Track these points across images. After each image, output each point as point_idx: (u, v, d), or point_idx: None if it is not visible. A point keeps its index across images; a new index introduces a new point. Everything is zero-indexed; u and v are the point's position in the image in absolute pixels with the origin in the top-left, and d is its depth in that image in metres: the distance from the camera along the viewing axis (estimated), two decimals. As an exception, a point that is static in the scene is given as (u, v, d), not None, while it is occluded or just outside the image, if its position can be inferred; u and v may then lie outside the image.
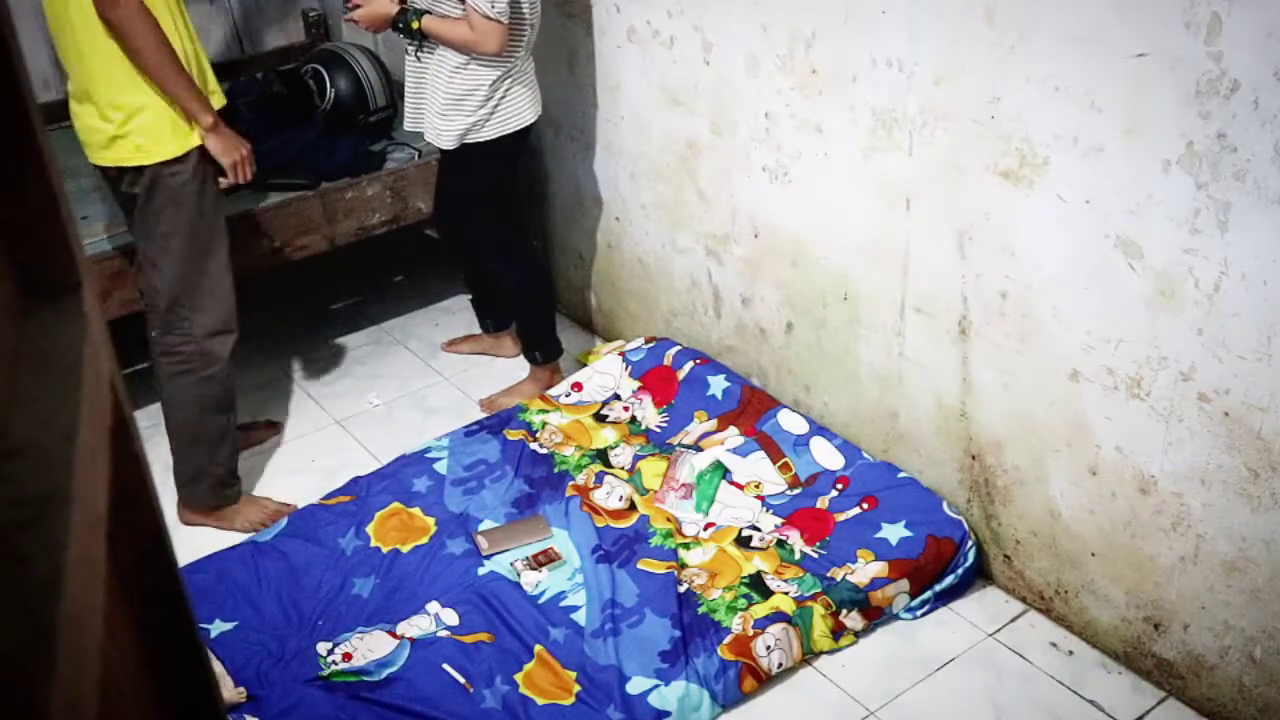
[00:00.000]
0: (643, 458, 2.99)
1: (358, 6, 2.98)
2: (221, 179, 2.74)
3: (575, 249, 3.72)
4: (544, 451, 3.06)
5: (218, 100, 2.70)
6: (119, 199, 2.79)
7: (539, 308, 3.39)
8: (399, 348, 3.75)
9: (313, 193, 3.34)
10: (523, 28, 2.90)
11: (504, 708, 2.33)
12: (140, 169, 2.60)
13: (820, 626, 2.48)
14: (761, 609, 2.49)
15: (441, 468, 3.02)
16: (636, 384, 3.24)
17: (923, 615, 2.59)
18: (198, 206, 2.68)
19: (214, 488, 2.96)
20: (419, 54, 3.01)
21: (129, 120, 2.55)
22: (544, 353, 3.40)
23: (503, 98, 2.96)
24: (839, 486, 2.79)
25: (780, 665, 2.43)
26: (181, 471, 2.94)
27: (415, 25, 2.90)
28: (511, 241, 3.28)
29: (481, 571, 2.67)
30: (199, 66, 2.64)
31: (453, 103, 2.95)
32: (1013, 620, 2.58)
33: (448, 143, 3.01)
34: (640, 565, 2.65)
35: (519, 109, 3.00)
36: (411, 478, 2.98)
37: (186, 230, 2.68)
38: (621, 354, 3.35)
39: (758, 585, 2.57)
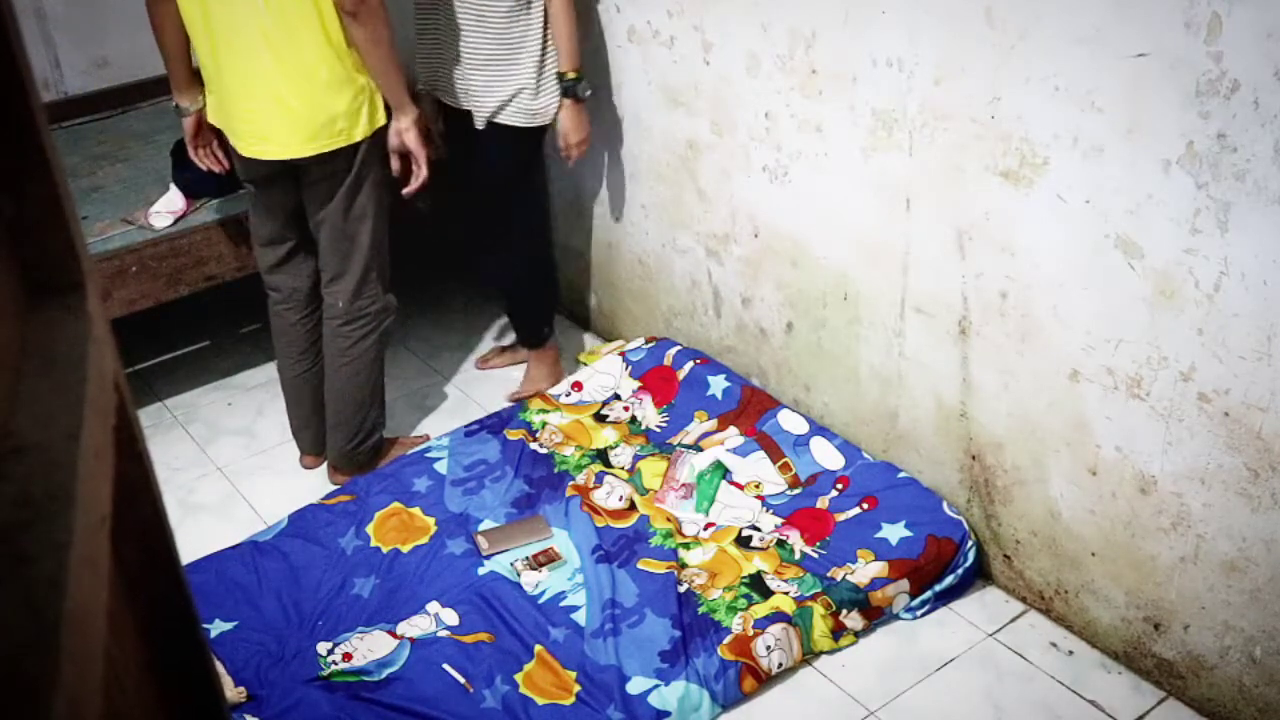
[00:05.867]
0: (643, 457, 2.99)
1: None
2: (405, 189, 2.85)
3: (575, 249, 3.71)
4: (544, 451, 3.06)
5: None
6: (286, 188, 2.84)
7: (547, 284, 3.43)
8: (399, 347, 3.75)
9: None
10: None
11: (504, 708, 2.33)
12: (353, 150, 2.71)
13: (820, 626, 2.48)
14: (761, 609, 2.49)
15: (441, 468, 3.02)
16: (636, 384, 3.24)
17: (923, 615, 2.59)
18: (385, 177, 2.83)
19: (380, 439, 3.12)
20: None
21: (341, 102, 2.65)
22: (549, 329, 3.41)
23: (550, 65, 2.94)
24: (839, 486, 2.79)
25: (780, 665, 2.43)
26: (354, 432, 3.06)
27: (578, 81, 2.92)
28: (542, 218, 3.29)
29: (481, 571, 2.67)
30: None
31: (504, 60, 2.89)
32: (1013, 620, 2.58)
33: (489, 112, 2.93)
34: (640, 565, 2.65)
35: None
36: (411, 478, 2.98)
37: (379, 199, 2.84)
38: (622, 354, 3.35)
39: (758, 585, 2.57)
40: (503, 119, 2.94)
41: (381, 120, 2.73)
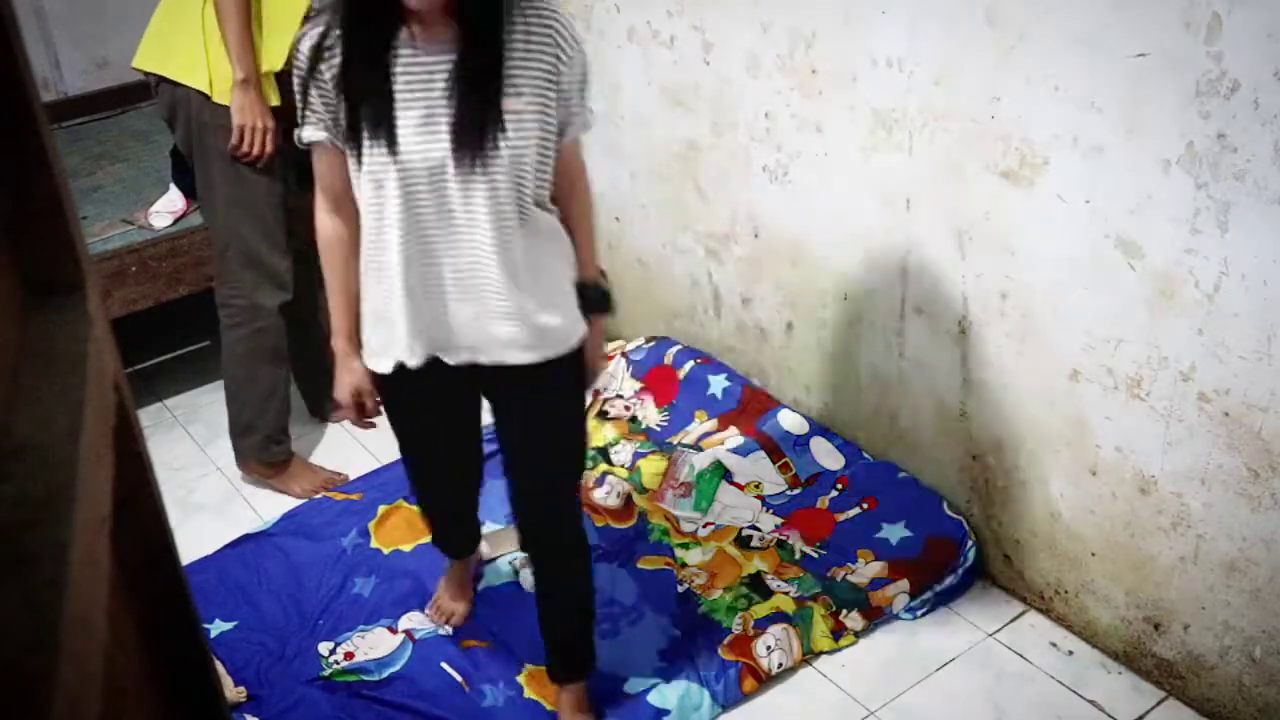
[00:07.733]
0: (643, 455, 2.99)
1: None
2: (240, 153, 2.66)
3: (575, 249, 3.71)
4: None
5: (270, 65, 2.65)
6: (189, 154, 2.78)
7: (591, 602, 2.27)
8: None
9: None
10: None
11: (504, 706, 2.33)
12: (172, 96, 2.65)
13: (820, 626, 2.48)
14: (761, 609, 2.49)
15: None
16: (638, 384, 3.24)
17: (923, 615, 2.59)
18: (233, 160, 2.67)
19: (263, 443, 2.99)
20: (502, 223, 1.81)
21: (178, 31, 2.62)
22: (592, 661, 2.31)
23: None
24: (839, 486, 2.79)
25: (780, 665, 2.43)
26: (234, 425, 3.00)
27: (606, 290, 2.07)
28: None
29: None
30: (269, 25, 2.63)
31: (564, 275, 2.01)
32: (1013, 620, 2.58)
33: (573, 340, 2.00)
34: (639, 564, 2.65)
35: None
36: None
37: (223, 181, 2.69)
38: (624, 354, 3.35)
39: (758, 585, 2.57)
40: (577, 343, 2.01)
41: (209, 90, 2.60)
